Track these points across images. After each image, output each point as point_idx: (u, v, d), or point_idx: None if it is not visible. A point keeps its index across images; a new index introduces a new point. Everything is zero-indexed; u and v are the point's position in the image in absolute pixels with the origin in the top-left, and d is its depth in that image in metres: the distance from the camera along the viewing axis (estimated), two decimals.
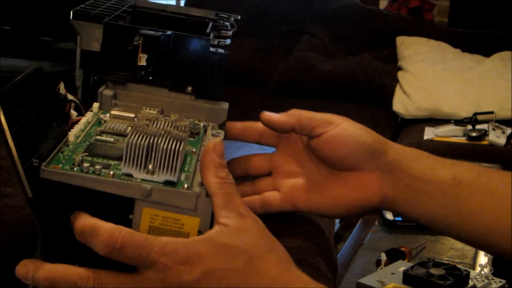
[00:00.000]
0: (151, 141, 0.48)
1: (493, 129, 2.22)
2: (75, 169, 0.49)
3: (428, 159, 0.64)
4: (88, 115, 0.59)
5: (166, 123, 0.52)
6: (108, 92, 0.61)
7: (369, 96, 2.68)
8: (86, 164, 0.49)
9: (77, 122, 0.57)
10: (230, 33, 0.66)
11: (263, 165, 0.68)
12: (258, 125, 0.67)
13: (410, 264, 0.90)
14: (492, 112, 2.28)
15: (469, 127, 2.25)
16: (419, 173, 0.63)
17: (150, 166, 0.48)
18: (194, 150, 0.56)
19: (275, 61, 2.88)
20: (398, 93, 2.58)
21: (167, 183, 0.49)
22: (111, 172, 0.49)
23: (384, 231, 1.34)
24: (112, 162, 0.50)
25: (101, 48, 0.60)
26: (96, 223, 0.47)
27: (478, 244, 0.65)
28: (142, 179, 0.49)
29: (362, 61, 2.77)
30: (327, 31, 2.94)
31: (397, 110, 2.52)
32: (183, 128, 0.52)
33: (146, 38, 0.60)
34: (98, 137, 0.55)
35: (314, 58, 2.82)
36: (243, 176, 0.68)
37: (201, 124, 0.61)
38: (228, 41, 0.63)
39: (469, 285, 0.89)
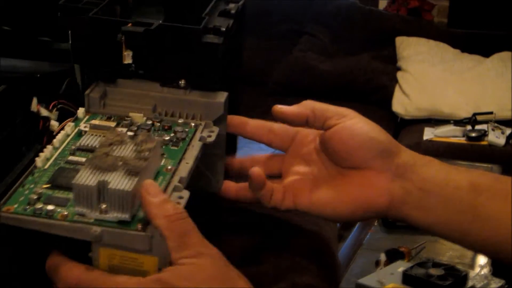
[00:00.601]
0: (101, 179, 0.46)
1: (493, 130, 2.22)
2: (29, 210, 0.47)
3: (442, 165, 0.62)
4: (68, 127, 0.57)
5: (130, 146, 0.50)
6: (95, 94, 0.59)
7: (368, 96, 2.68)
8: (38, 206, 0.47)
9: (54, 136, 0.55)
10: (234, 10, 0.62)
11: (275, 166, 0.66)
12: (272, 125, 0.66)
13: (410, 265, 0.90)
14: (491, 113, 2.28)
15: (469, 127, 2.25)
16: (433, 177, 0.60)
17: (103, 206, 0.47)
18: (169, 167, 0.53)
19: (275, 61, 2.88)
20: (397, 93, 2.58)
21: (121, 222, 0.47)
22: (65, 213, 0.47)
23: (384, 231, 1.34)
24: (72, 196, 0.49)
25: (88, 44, 0.58)
26: (59, 261, 0.48)
27: (494, 253, 0.61)
28: (95, 219, 0.47)
29: (362, 62, 2.77)
30: (327, 31, 2.94)
31: (396, 111, 2.52)
32: (146, 154, 0.49)
33: (127, 35, 0.56)
34: (70, 157, 0.53)
35: (313, 59, 2.82)
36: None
37: (193, 124, 0.58)
38: (226, 26, 0.58)
39: (468, 286, 0.89)
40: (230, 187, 0.64)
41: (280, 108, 0.64)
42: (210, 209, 0.67)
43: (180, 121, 0.59)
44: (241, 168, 0.67)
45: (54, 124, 0.58)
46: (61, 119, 0.59)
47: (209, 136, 0.57)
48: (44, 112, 0.58)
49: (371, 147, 0.61)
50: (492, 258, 0.66)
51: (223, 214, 0.69)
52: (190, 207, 0.62)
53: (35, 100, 0.57)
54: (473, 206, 0.59)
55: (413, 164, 0.61)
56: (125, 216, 0.47)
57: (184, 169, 0.53)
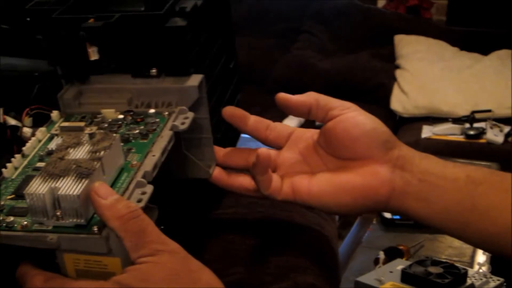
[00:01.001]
0: (53, 185, 0.46)
1: (491, 128, 2.23)
2: None
3: (439, 159, 0.63)
4: (40, 133, 0.56)
5: (87, 147, 0.49)
6: (68, 95, 0.58)
7: (367, 94, 2.68)
8: (0, 218, 0.47)
9: (24, 144, 0.54)
10: None
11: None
12: (270, 122, 0.65)
13: (408, 263, 0.90)
14: (489, 111, 2.28)
15: (467, 125, 2.25)
16: (432, 169, 0.61)
17: (58, 212, 0.46)
18: (135, 162, 0.52)
19: (273, 59, 2.88)
20: (396, 91, 2.58)
21: (78, 227, 0.46)
22: (24, 223, 0.47)
23: (382, 229, 1.34)
24: None
25: (57, 45, 0.57)
26: (26, 269, 0.48)
27: (493, 245, 0.61)
28: (53, 226, 0.46)
29: (360, 60, 2.77)
30: (325, 29, 2.94)
31: (395, 109, 2.53)
32: (100, 154, 0.48)
33: (88, 31, 0.55)
34: (38, 163, 0.52)
35: (312, 57, 2.82)
36: (244, 168, 0.64)
37: (166, 113, 0.56)
38: (191, 6, 0.57)
39: (467, 284, 0.89)
40: (223, 175, 0.63)
41: (284, 95, 0.63)
42: (204, 200, 0.67)
43: (152, 111, 0.57)
44: (227, 157, 0.65)
45: (27, 131, 0.57)
46: (38, 123, 0.58)
47: (183, 124, 0.56)
48: (11, 121, 0.57)
49: (374, 136, 0.61)
50: (491, 252, 0.65)
51: (224, 213, 0.69)
52: (183, 198, 0.61)
53: (0, 111, 0.56)
54: (471, 196, 0.60)
55: (412, 156, 0.62)
56: (80, 221, 0.46)
57: (150, 162, 0.52)
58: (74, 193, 0.45)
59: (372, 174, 0.61)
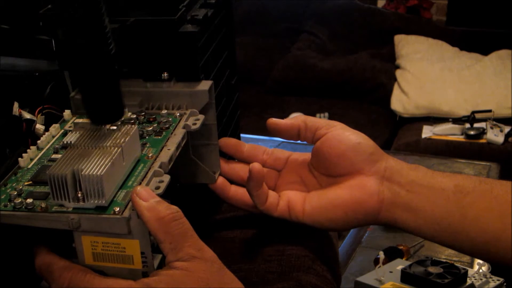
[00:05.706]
0: (74, 168, 0.46)
1: (491, 128, 2.23)
2: (8, 206, 0.48)
3: (427, 169, 0.64)
4: (53, 129, 0.57)
5: (107, 136, 0.50)
6: (80, 96, 0.58)
7: (367, 94, 2.69)
8: (18, 200, 0.48)
9: (39, 138, 0.55)
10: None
11: (271, 180, 0.67)
12: (266, 148, 0.67)
13: (408, 263, 0.90)
14: (490, 111, 2.28)
15: (467, 125, 2.25)
16: (420, 179, 0.62)
17: (79, 194, 0.47)
18: (150, 155, 0.53)
19: (273, 59, 2.88)
20: (396, 91, 2.58)
21: (99, 208, 0.47)
22: (44, 205, 0.47)
23: (382, 229, 1.34)
24: None
25: (65, 48, 0.57)
26: (51, 261, 0.48)
27: (483, 253, 0.62)
28: (73, 208, 0.47)
29: (360, 60, 2.78)
30: (325, 29, 2.94)
31: (395, 109, 2.53)
32: (121, 141, 0.49)
33: None
34: (53, 155, 0.54)
35: (312, 57, 2.82)
36: (242, 182, 0.66)
37: (177, 114, 0.58)
38: (203, 15, 0.59)
39: (467, 284, 0.89)
40: (226, 184, 0.64)
41: (274, 120, 0.66)
42: (210, 203, 0.67)
43: (164, 111, 0.58)
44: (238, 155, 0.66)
45: (40, 127, 0.58)
46: (47, 123, 0.59)
47: (194, 124, 0.57)
48: (26, 115, 0.58)
49: (360, 150, 0.63)
50: (483, 259, 0.66)
51: (224, 217, 0.69)
52: (188, 201, 0.61)
53: (16, 104, 0.57)
54: (460, 206, 0.60)
55: (400, 168, 0.63)
56: (102, 202, 0.47)
57: (165, 155, 0.53)
58: (98, 173, 0.46)
59: (360, 187, 0.62)
